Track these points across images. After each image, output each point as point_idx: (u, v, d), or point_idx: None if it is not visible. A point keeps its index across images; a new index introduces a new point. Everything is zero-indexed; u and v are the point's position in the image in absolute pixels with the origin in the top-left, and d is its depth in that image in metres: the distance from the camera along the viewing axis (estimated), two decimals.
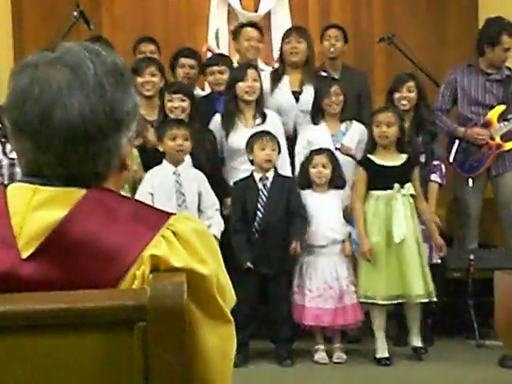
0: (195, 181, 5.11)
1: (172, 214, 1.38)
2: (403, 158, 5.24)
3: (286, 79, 5.88)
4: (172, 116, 5.33)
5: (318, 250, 5.22)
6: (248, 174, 5.28)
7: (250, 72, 5.46)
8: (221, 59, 6.00)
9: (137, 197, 4.99)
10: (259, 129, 5.40)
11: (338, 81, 5.68)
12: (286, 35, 5.95)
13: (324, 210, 5.25)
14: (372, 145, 5.28)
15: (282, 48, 5.95)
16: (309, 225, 5.21)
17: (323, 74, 6.01)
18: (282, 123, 5.62)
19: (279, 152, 5.27)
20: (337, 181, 5.30)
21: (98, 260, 1.30)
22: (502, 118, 5.89)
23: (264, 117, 5.50)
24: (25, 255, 1.30)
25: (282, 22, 6.97)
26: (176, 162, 5.11)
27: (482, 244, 5.96)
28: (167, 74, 5.84)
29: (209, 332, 1.35)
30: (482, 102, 5.95)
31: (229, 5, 7.54)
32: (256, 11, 7.55)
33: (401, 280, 5.07)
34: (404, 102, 5.49)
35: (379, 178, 5.18)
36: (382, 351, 5.16)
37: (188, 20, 7.59)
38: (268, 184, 5.21)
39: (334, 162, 5.29)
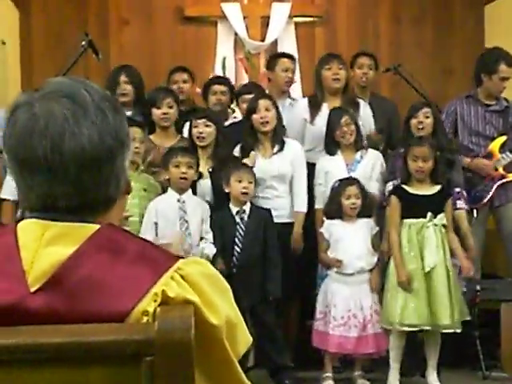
0: (199, 208, 5.12)
1: (180, 257, 1.39)
2: (437, 188, 5.26)
3: (325, 106, 5.85)
4: (198, 142, 5.36)
5: (345, 278, 5.23)
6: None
7: (262, 102, 5.44)
8: (254, 88, 6.04)
9: (143, 226, 5.02)
10: (276, 158, 5.40)
11: (348, 111, 5.66)
12: (326, 62, 5.90)
13: (353, 239, 5.28)
14: (406, 175, 5.30)
15: (319, 75, 5.92)
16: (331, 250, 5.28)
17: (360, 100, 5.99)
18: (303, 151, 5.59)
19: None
20: (365, 210, 5.32)
21: (104, 296, 1.31)
22: (504, 149, 5.90)
23: (282, 145, 5.47)
24: (33, 289, 1.31)
25: (288, 51, 6.99)
26: (180, 190, 5.11)
27: (486, 275, 5.94)
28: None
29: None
30: (483, 132, 5.97)
31: (235, 34, 7.59)
32: (263, 40, 7.60)
33: (428, 309, 5.09)
34: (420, 126, 5.50)
35: (412, 207, 5.21)
36: (394, 382, 5.15)
37: (195, 49, 7.63)
38: (245, 217, 5.18)
39: (363, 191, 5.31)
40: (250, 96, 5.76)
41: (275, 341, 5.14)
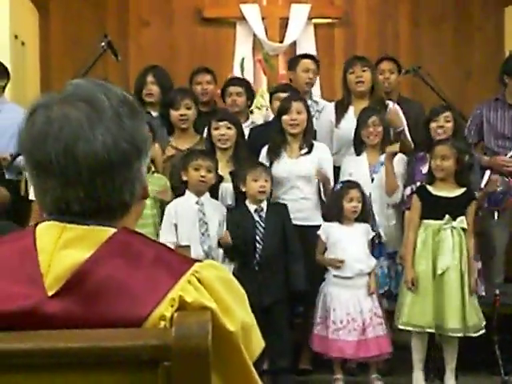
0: (217, 211, 5.12)
1: (197, 260, 1.38)
2: (461, 190, 5.23)
3: (351, 109, 5.83)
4: (219, 144, 5.34)
5: (344, 281, 5.21)
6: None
7: (294, 104, 5.39)
8: (288, 87, 6.00)
9: (162, 228, 5.03)
10: (303, 159, 5.38)
11: (378, 112, 5.60)
12: (349, 65, 5.86)
13: (351, 242, 5.25)
14: (431, 176, 5.28)
15: (345, 78, 5.88)
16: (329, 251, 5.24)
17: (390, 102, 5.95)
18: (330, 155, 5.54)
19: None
20: (363, 214, 5.30)
21: (121, 301, 1.30)
22: None
23: (311, 148, 5.43)
24: (51, 293, 1.31)
25: (307, 53, 6.98)
26: (198, 192, 5.11)
27: (508, 278, 5.90)
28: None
29: None
30: (509, 135, 5.93)
31: (254, 35, 7.59)
32: (281, 42, 7.59)
33: (436, 311, 5.06)
34: (440, 131, 5.47)
35: (432, 208, 5.18)
36: None
37: (214, 50, 7.64)
38: (263, 215, 5.17)
39: (364, 195, 5.30)
40: (284, 94, 5.72)
41: (281, 343, 5.08)
